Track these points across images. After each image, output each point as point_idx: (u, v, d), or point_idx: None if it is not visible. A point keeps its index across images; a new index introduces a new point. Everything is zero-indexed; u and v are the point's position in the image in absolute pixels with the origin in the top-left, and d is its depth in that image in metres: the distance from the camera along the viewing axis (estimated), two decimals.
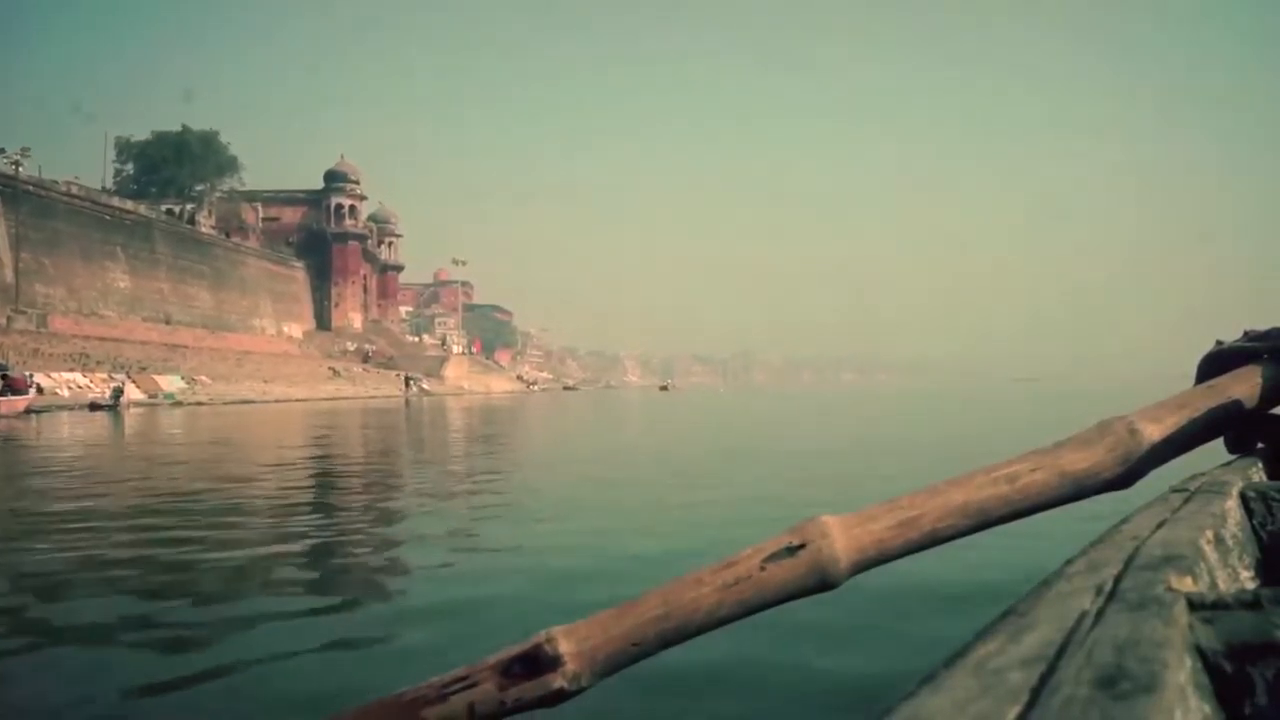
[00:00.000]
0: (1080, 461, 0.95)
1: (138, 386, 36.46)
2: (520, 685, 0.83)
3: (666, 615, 0.84)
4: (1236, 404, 1.12)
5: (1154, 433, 1.00)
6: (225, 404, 36.45)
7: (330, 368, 62.28)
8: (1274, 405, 1.20)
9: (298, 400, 43.11)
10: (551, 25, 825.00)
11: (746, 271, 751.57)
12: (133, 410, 29.73)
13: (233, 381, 45.50)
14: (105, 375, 35.21)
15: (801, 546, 0.85)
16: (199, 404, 35.70)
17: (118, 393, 31.34)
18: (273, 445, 12.57)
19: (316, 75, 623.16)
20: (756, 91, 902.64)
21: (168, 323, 57.90)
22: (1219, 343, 1.30)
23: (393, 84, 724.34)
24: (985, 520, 0.91)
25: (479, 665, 0.84)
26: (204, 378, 43.11)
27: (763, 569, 0.84)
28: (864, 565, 0.88)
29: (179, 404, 34.82)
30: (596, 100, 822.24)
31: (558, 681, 0.82)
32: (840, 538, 0.85)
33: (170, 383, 38.66)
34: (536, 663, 0.83)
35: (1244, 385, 1.14)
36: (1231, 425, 1.16)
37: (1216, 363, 1.25)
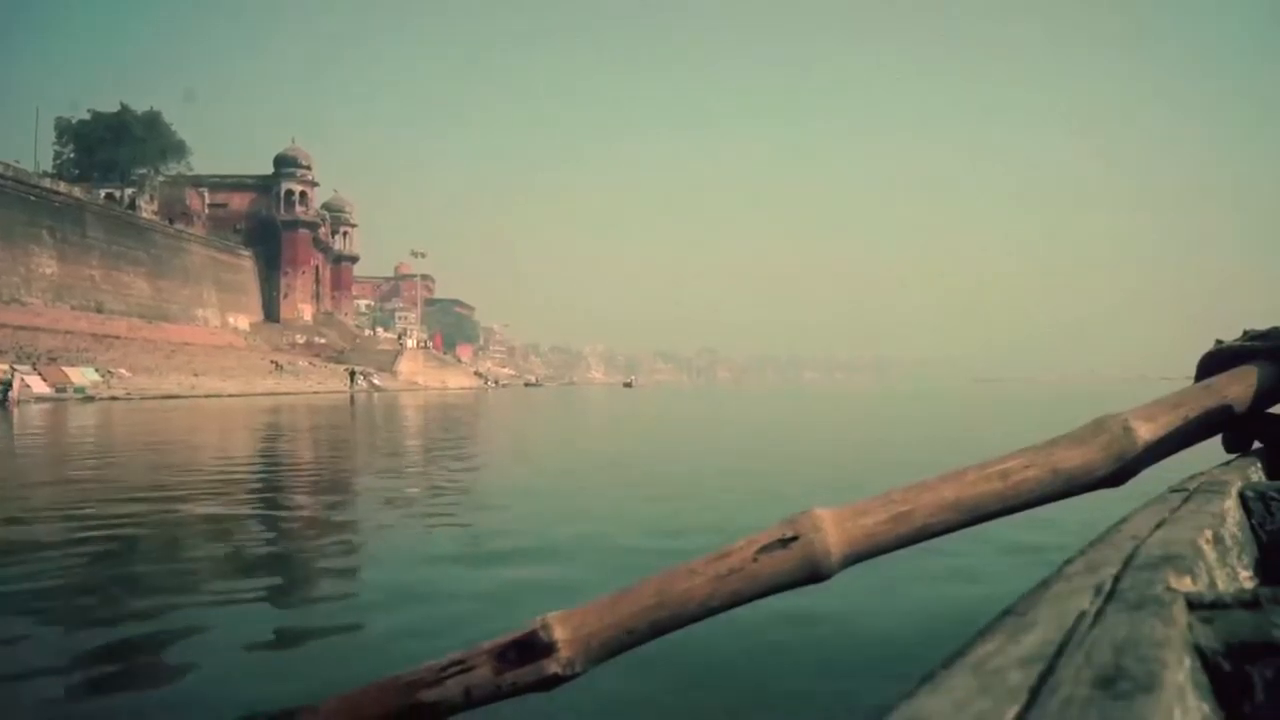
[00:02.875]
0: (1073, 459, 0.96)
1: (44, 379, 33.31)
2: (515, 670, 0.85)
3: (660, 604, 0.86)
4: (1232, 403, 1.12)
5: (1148, 431, 1.00)
6: (145, 399, 33.46)
7: (272, 361, 59.14)
8: (1269, 405, 1.20)
9: (230, 396, 40.15)
10: (522, 27, 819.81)
11: (711, 269, 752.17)
12: (34, 406, 26.78)
13: (157, 374, 42.31)
14: (8, 366, 32.07)
15: (794, 539, 0.86)
16: (114, 399, 32.70)
17: (5, 386, 28.19)
18: (165, 460, 9.99)
19: (276, 67, 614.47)
20: (728, 90, 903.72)
21: (99, 311, 54.56)
22: (1218, 342, 1.28)
23: (361, 77, 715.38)
24: (977, 515, 0.92)
25: (475, 650, 0.87)
26: (123, 370, 39.87)
27: (755, 560, 0.86)
28: (855, 558, 0.89)
29: (90, 399, 31.79)
30: (563, 100, 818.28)
31: (552, 667, 0.85)
32: (832, 531, 0.87)
33: (82, 375, 35.46)
34: (532, 648, 0.85)
35: (1239, 385, 1.14)
36: (1227, 425, 1.16)
37: (1215, 362, 1.25)
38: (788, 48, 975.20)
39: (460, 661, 0.86)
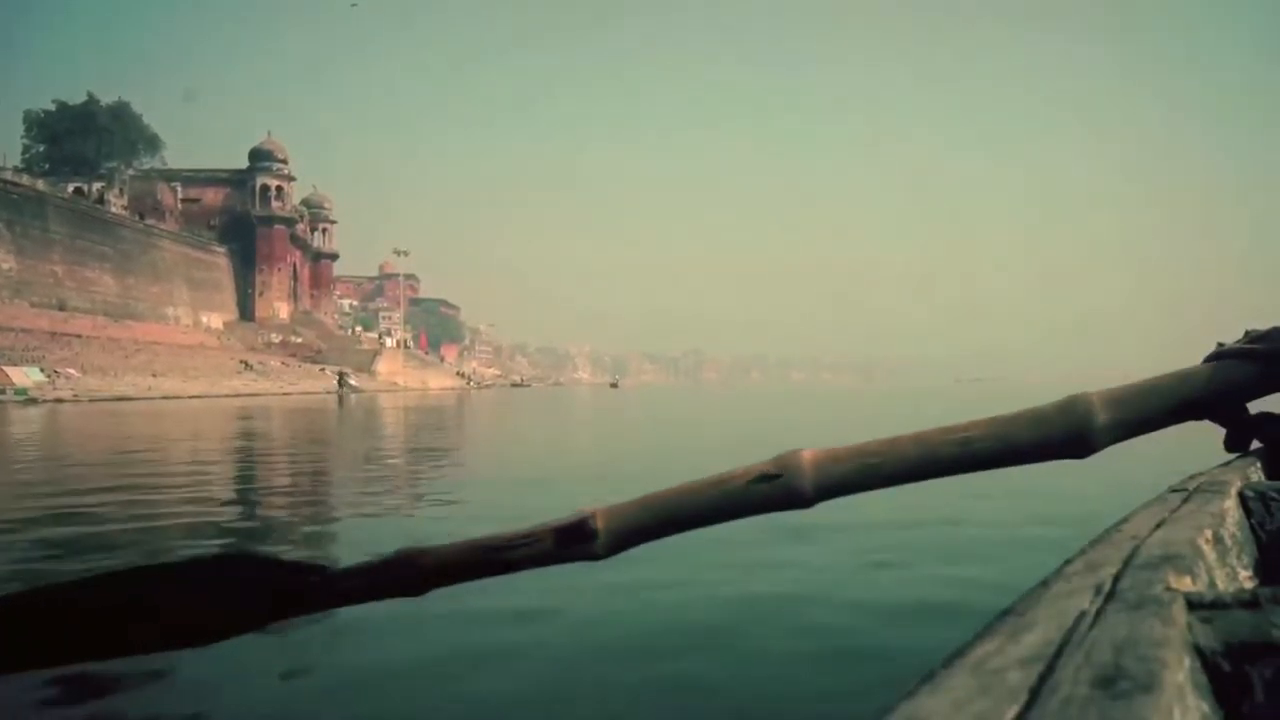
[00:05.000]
0: (1032, 430, 1.06)
1: None
2: (567, 547, 1.11)
3: (673, 511, 1.10)
4: (1202, 394, 1.15)
5: (1112, 412, 1.08)
6: (94, 401, 31.23)
7: (242, 360, 56.80)
8: (1242, 400, 1.22)
9: (192, 397, 37.91)
10: (514, 25, 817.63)
11: (698, 270, 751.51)
12: None
13: (111, 375, 39.96)
14: None
15: (779, 476, 1.07)
16: (59, 401, 30.45)
17: None
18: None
19: (261, 68, 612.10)
20: (714, 90, 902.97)
21: (62, 309, 52.18)
22: (1220, 345, 1.29)
23: (349, 78, 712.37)
24: (936, 472, 1.08)
25: (540, 528, 1.12)
26: (71, 370, 37.53)
27: (747, 487, 1.07)
28: (827, 495, 1.09)
29: (32, 401, 29.51)
30: (550, 101, 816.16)
31: (592, 549, 1.11)
32: (810, 472, 1.07)
33: (25, 376, 33.07)
34: (580, 532, 1.11)
35: (1212, 376, 1.15)
36: (1195, 413, 1.18)
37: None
38: (778, 47, 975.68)
39: (528, 535, 1.11)
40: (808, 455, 1.06)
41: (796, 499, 1.05)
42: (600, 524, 1.09)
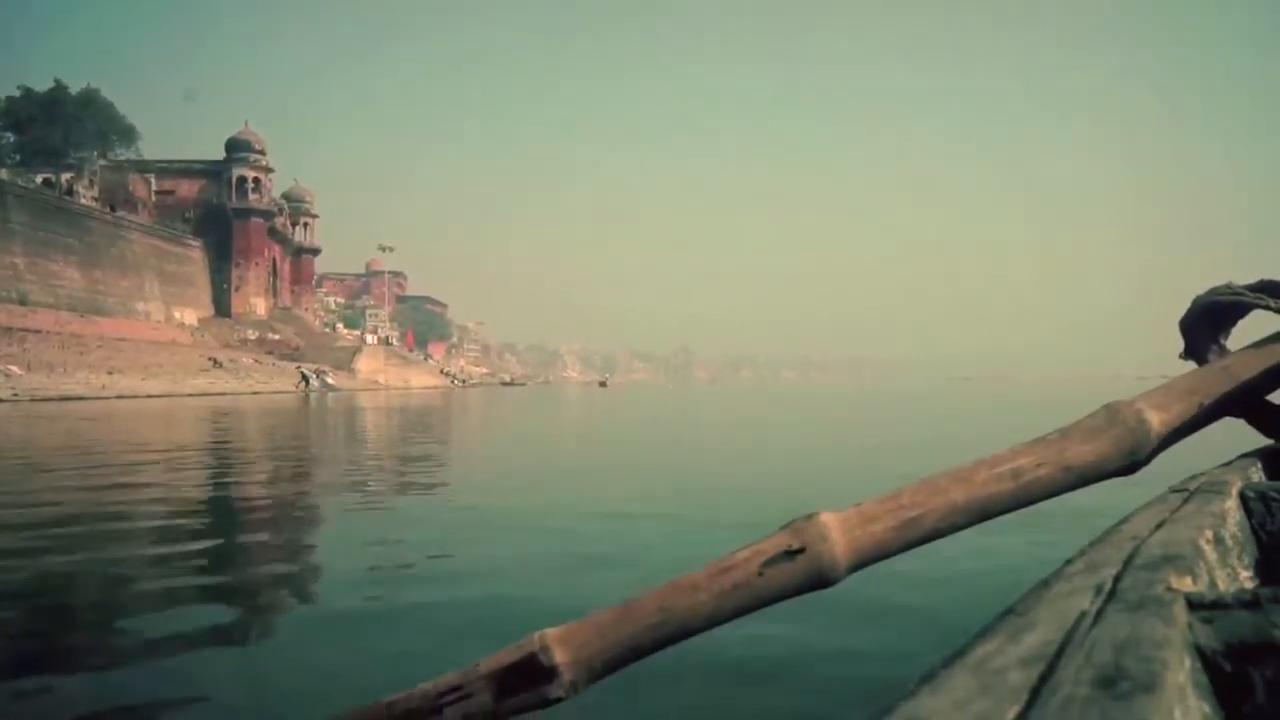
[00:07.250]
0: (1087, 454, 0.94)
1: None
2: (514, 696, 0.82)
3: (664, 620, 0.83)
4: (1249, 386, 1.07)
5: (1162, 421, 0.99)
6: (36, 401, 28.79)
7: (211, 358, 54.27)
8: None
9: (151, 396, 35.44)
10: (506, 28, 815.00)
11: (688, 269, 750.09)
12: None
13: (61, 372, 37.43)
14: None
15: (801, 550, 0.84)
16: None
17: None
18: None
19: (246, 71, 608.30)
20: (705, 89, 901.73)
21: (22, 303, 49.61)
22: (1229, 285, 1.23)
23: (342, 80, 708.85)
24: (986, 515, 0.91)
25: (472, 673, 0.83)
26: (13, 367, 35.03)
27: (761, 574, 0.83)
28: (863, 564, 0.88)
29: None
30: (544, 102, 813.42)
31: (555, 691, 0.82)
32: (840, 540, 0.85)
33: None
34: (531, 671, 0.82)
35: (1256, 363, 1.07)
36: (1242, 407, 1.12)
37: (1212, 314, 1.23)
38: (770, 47, 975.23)
39: (458, 688, 0.82)
40: (830, 519, 0.83)
41: (826, 576, 0.82)
42: (559, 655, 0.80)
